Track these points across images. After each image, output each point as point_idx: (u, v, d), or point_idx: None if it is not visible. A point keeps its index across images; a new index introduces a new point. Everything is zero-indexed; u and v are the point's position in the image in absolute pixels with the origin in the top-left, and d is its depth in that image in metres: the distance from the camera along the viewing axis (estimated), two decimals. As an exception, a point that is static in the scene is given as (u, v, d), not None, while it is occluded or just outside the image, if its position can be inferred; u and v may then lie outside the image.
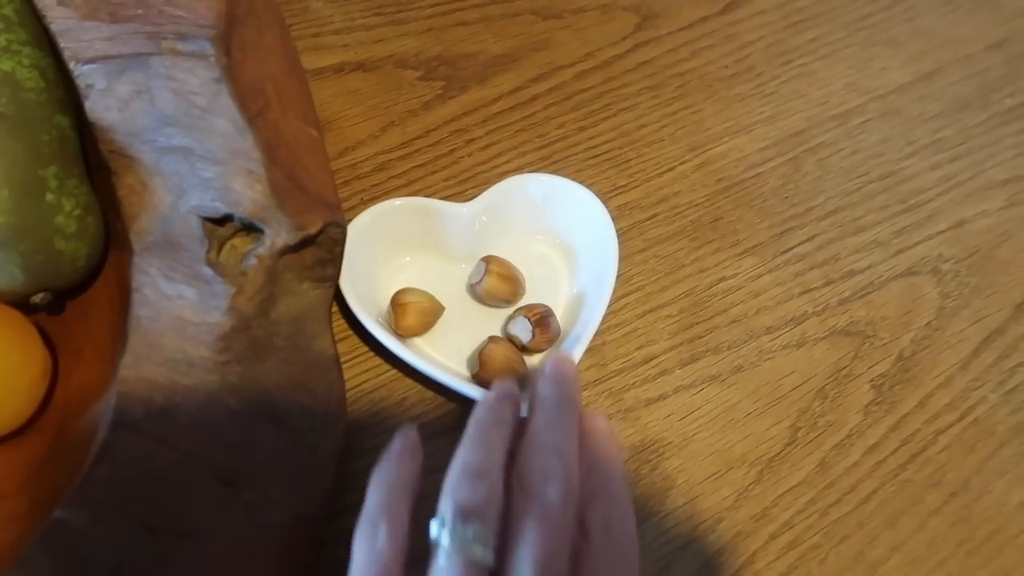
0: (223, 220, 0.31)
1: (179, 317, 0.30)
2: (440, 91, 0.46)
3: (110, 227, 0.33)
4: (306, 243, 0.32)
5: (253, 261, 0.31)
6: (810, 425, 0.38)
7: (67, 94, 0.31)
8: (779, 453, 0.37)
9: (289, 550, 0.28)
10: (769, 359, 0.40)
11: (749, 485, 0.37)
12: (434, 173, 0.43)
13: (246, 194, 0.30)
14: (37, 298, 0.30)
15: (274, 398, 0.31)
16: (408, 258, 0.39)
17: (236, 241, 0.33)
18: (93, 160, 0.33)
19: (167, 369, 0.30)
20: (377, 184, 0.42)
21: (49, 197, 0.29)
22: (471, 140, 0.45)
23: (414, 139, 0.44)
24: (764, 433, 0.38)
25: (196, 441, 0.29)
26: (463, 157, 0.44)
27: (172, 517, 0.27)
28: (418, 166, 0.43)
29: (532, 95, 0.46)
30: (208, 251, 0.31)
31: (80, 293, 0.33)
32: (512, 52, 0.47)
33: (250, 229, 0.32)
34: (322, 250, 0.34)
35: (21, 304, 0.31)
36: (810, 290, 0.42)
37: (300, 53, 0.45)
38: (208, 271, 0.30)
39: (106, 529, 0.26)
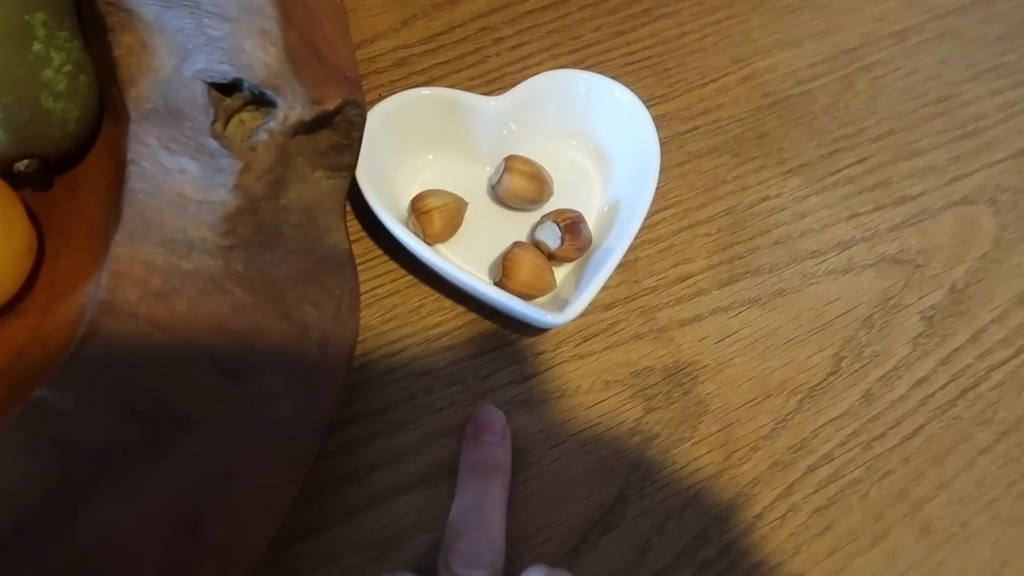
0: (231, 89, 0.28)
1: (180, 194, 0.27)
2: (468, -15, 0.42)
3: (105, 95, 0.30)
4: (322, 122, 0.29)
5: (263, 136, 0.28)
6: (855, 355, 0.35)
7: (58, -65, 0.27)
8: (821, 382, 0.35)
9: (295, 449, 0.26)
10: (813, 284, 0.37)
11: (788, 414, 0.34)
12: (458, 72, 0.40)
13: (258, 57, 0.27)
14: (22, 165, 0.27)
15: (281, 289, 0.28)
16: (431, 156, 0.36)
17: (245, 116, 0.29)
18: (88, 20, 0.30)
19: (165, 250, 0.27)
20: (396, 80, 0.39)
21: (36, 47, 0.26)
22: (499, 39, 0.41)
23: (438, 34, 0.41)
24: (806, 361, 0.35)
25: (195, 329, 0.26)
26: (490, 57, 0.41)
27: (167, 406, 0.24)
28: (441, 63, 0.40)
29: (567, -6, 0.43)
30: (214, 121, 0.27)
31: (70, 168, 0.30)
32: (547, -53, 0.44)
33: (260, 103, 0.29)
34: (339, 134, 0.31)
35: (5, 173, 0.28)
36: (859, 214, 0.39)
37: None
38: (213, 143, 0.27)
39: (92, 412, 0.23)
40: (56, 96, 0.26)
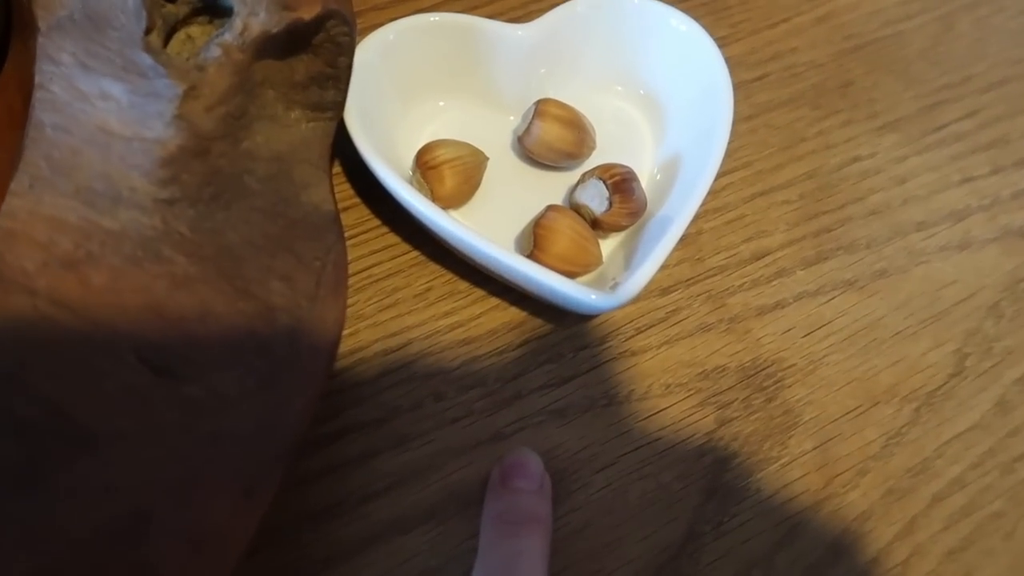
0: (173, -10, 0.21)
1: (102, 128, 0.20)
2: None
3: (12, 3, 0.23)
4: (297, 39, 0.22)
5: (216, 51, 0.21)
6: (983, 351, 0.28)
7: None
8: (942, 386, 0.27)
9: (250, 476, 0.18)
10: (922, 263, 0.29)
11: (903, 427, 0.26)
12: (475, 8, 0.33)
13: (205, -60, 0.20)
14: None
15: (240, 258, 0.21)
16: (442, 102, 0.29)
17: (193, 30, 0.22)
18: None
19: (80, 203, 0.20)
20: (398, 18, 0.32)
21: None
22: (525, -29, 0.34)
23: (450, -35, 0.34)
24: (920, 359, 0.27)
25: (116, 310, 0.19)
26: (514, -9, 0.33)
27: (64, 415, 0.17)
28: (454, -1, 0.33)
29: (605, -78, 0.36)
30: (147, 31, 0.20)
31: (-31, 103, 0.23)
32: None
33: (214, 14, 0.22)
34: (320, 60, 0.24)
35: None
36: (973, 178, 0.31)
37: None
38: (146, 59, 0.20)
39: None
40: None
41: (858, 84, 0.33)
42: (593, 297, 0.23)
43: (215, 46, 0.21)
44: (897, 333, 0.28)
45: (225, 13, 0.21)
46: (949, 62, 0.34)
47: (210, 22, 0.22)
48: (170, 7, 0.21)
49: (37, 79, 0.21)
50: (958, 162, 0.32)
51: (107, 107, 0.20)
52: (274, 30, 0.21)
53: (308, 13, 0.22)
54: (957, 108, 0.33)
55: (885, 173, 0.31)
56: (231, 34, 0.21)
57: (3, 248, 0.19)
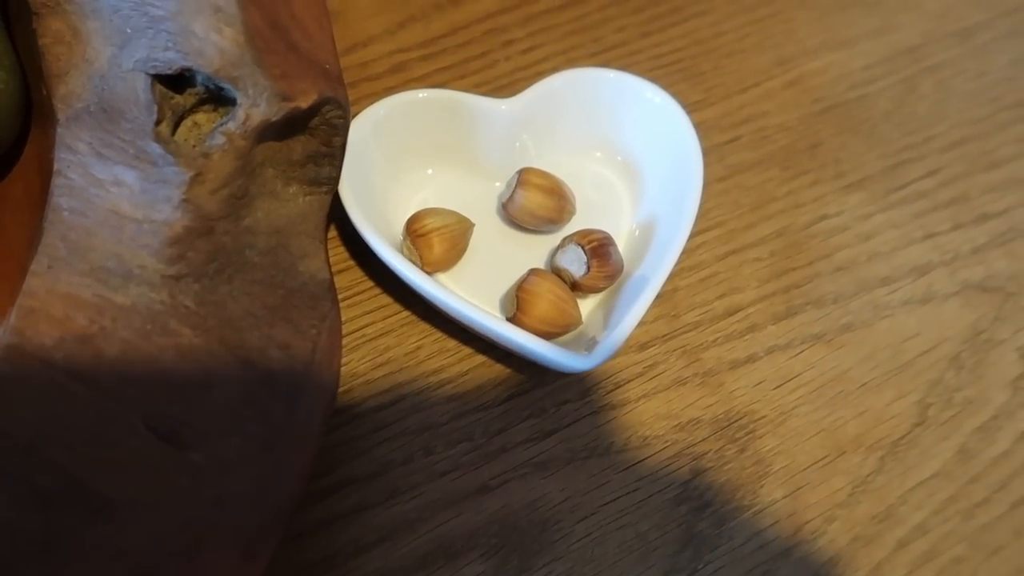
0: (182, 84, 0.23)
1: (114, 211, 0.22)
2: (473, -17, 0.37)
3: (33, 95, 0.25)
4: (295, 124, 0.24)
5: (220, 139, 0.22)
6: (944, 401, 0.29)
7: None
8: (905, 435, 0.29)
9: (250, 536, 0.20)
10: (887, 317, 0.31)
11: (868, 475, 0.28)
12: (463, 78, 0.35)
13: (211, 41, 0.22)
14: (-79, 179, 0.22)
15: (241, 329, 0.23)
16: (430, 170, 0.31)
17: (200, 117, 0.24)
18: (13, 8, 0.25)
19: (94, 280, 0.21)
20: (391, 88, 0.34)
21: (-66, 31, 0.20)
22: (509, 42, 0.36)
23: (439, 37, 0.36)
24: (885, 409, 0.29)
25: (127, 381, 0.21)
26: (499, 61, 0.35)
27: (80, 483, 0.19)
28: (443, 68, 0.35)
29: (585, -7, 0.38)
30: (158, 123, 0.22)
31: (-9, 184, 0.25)
32: (562, -57, 0.39)
33: (219, 102, 0.24)
34: (316, 140, 0.25)
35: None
36: (935, 235, 0.33)
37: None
38: (156, 148, 0.22)
39: (-27, 496, 0.18)
40: (-39, 92, 0.21)
41: (826, 145, 0.35)
42: (574, 359, 0.25)
43: (219, 134, 0.22)
44: (863, 385, 0.29)
45: (229, 102, 0.23)
46: (912, 123, 0.36)
47: (215, 110, 0.24)
48: (178, 98, 0.23)
49: (56, 166, 0.22)
50: (920, 219, 0.33)
51: (120, 192, 0.22)
52: (274, 118, 0.23)
53: (305, 102, 0.23)
54: (919, 167, 0.35)
55: (851, 230, 0.33)
56: (234, 123, 0.22)
57: (24, 325, 0.20)
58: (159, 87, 0.22)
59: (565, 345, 0.27)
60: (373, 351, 0.28)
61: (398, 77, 0.34)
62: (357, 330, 0.29)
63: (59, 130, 0.22)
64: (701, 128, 0.35)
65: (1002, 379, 0.30)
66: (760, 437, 0.28)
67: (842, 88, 0.37)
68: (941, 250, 0.33)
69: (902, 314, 0.31)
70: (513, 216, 0.29)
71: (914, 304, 0.31)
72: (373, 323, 0.29)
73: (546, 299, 0.26)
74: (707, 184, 0.33)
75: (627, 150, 0.31)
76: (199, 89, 0.23)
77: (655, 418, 0.28)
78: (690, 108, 0.35)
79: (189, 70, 0.22)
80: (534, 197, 0.28)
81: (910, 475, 0.28)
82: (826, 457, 0.28)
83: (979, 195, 0.34)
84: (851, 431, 0.28)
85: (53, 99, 0.23)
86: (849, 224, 0.33)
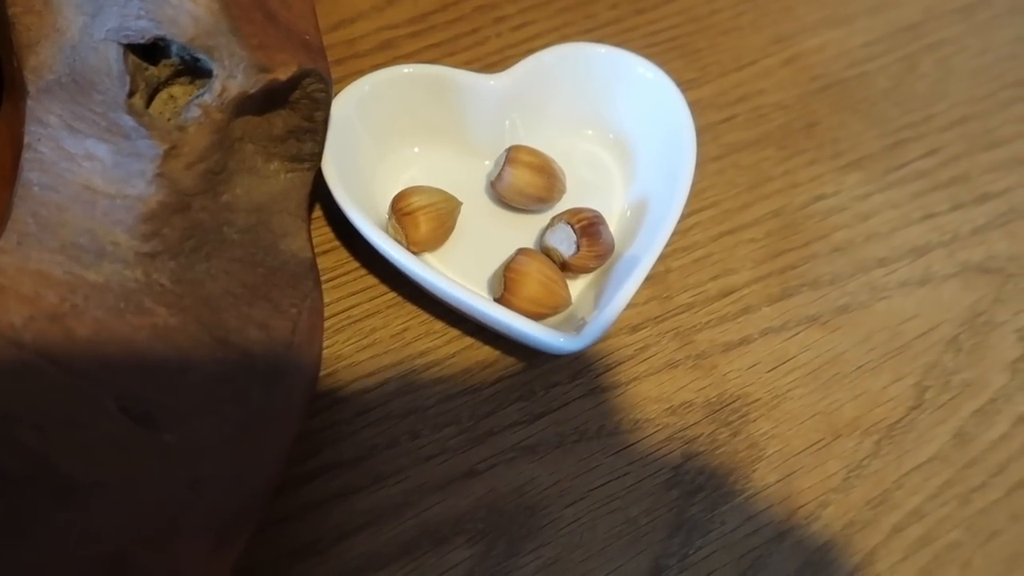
0: (157, 54, 0.22)
1: (86, 186, 0.21)
2: (464, -41, 0.37)
3: (4, 67, 0.24)
4: (274, 97, 0.23)
5: (195, 112, 0.22)
6: (941, 384, 0.29)
7: None
8: (902, 419, 0.28)
9: (225, 521, 0.19)
10: (884, 298, 0.30)
11: (864, 459, 0.27)
12: (452, 55, 0.34)
13: (185, 8, 0.21)
14: None
15: (219, 308, 0.22)
16: (417, 149, 0.30)
17: (176, 89, 0.23)
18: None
19: (66, 258, 0.21)
20: (379, 65, 0.33)
21: None
22: (500, 18, 0.35)
23: (429, 13, 0.35)
24: (881, 392, 0.28)
25: (99, 361, 0.20)
26: (490, 37, 0.35)
27: (48, 466, 0.18)
28: (432, 46, 0.34)
29: (579, -32, 0.37)
30: (131, 95, 0.21)
31: (-38, 160, 0.24)
32: (555, -83, 0.38)
33: (195, 74, 0.23)
34: (297, 115, 0.25)
35: None
36: (934, 215, 0.32)
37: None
38: (129, 121, 0.21)
39: (-67, 477, 0.17)
40: (-76, 61, 0.20)
41: (823, 124, 0.34)
42: (562, 340, 0.24)
43: (195, 107, 0.22)
44: (859, 367, 0.29)
45: (206, 74, 0.23)
46: (912, 102, 0.35)
47: (192, 82, 0.23)
48: (153, 70, 0.22)
49: (26, 140, 0.22)
50: (919, 199, 0.33)
51: (92, 167, 0.21)
52: (251, 91, 0.22)
53: (284, 74, 0.23)
54: (919, 146, 0.34)
55: (849, 211, 0.32)
56: (210, 95, 0.22)
57: (-8, 303, 0.20)
58: (132, 58, 0.22)
59: (555, 326, 0.27)
60: (358, 333, 0.28)
61: (386, 54, 0.34)
62: (342, 311, 0.28)
63: (29, 103, 0.22)
64: (696, 107, 0.34)
65: (1001, 361, 0.29)
66: (754, 421, 0.28)
67: (840, 66, 0.36)
68: (940, 231, 0.32)
69: (900, 296, 0.30)
70: (502, 195, 0.29)
71: (912, 286, 0.31)
72: (359, 304, 0.28)
73: (535, 279, 0.26)
74: (702, 163, 0.32)
75: (619, 128, 0.31)
76: (174, 60, 0.22)
77: (646, 401, 0.28)
78: (685, 86, 0.34)
79: (163, 39, 0.21)
80: (523, 175, 0.28)
81: (906, 459, 0.27)
82: (821, 441, 0.27)
83: (980, 175, 0.34)
84: (847, 414, 0.28)
85: (24, 70, 0.22)
86: (847, 204, 0.32)
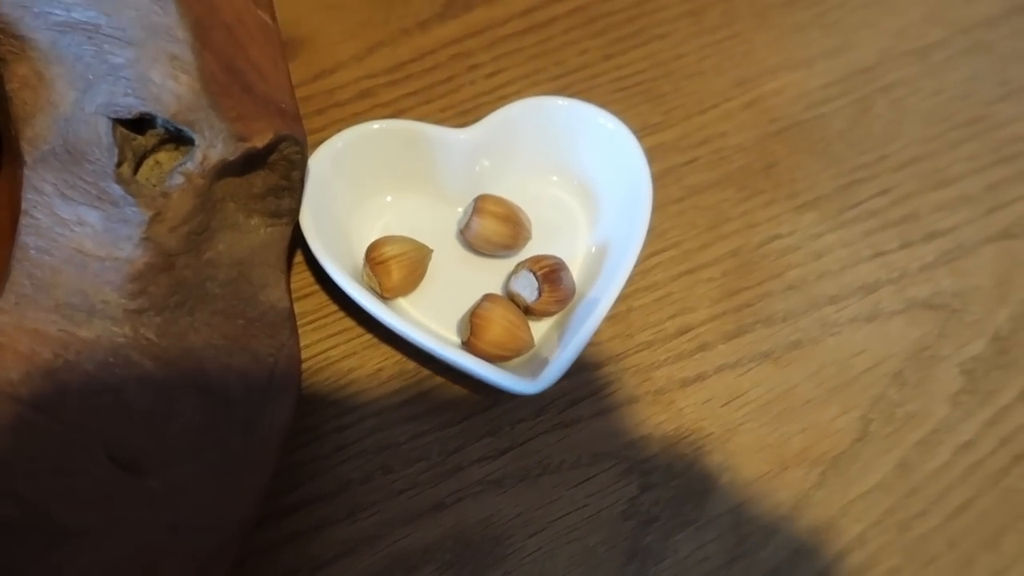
0: (144, 126, 0.24)
1: (78, 249, 0.23)
2: (440, 9, 0.39)
3: (4, 138, 0.26)
4: (253, 161, 0.25)
5: (179, 179, 0.24)
6: (886, 416, 0.30)
7: (-60, -46, 0.24)
8: (847, 450, 0.30)
9: (206, 557, 0.21)
10: (834, 334, 0.32)
11: (810, 489, 0.29)
12: (428, 103, 0.36)
13: (168, 87, 0.23)
14: None
15: (201, 359, 0.24)
16: (389, 198, 0.32)
17: (162, 156, 0.25)
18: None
19: (59, 316, 0.23)
20: (359, 113, 0.35)
21: (-97, 82, 0.22)
22: (474, 66, 0.37)
23: (406, 63, 0.37)
24: (829, 424, 0.30)
25: (89, 411, 0.22)
26: (464, 85, 0.37)
27: (41, 512, 0.20)
28: (409, 94, 0.36)
29: (549, 17, 0.39)
30: (119, 164, 0.23)
31: (-35, 221, 0.26)
32: (527, -33, 0.40)
33: (179, 141, 0.25)
34: (275, 175, 0.27)
35: None
36: (884, 253, 0.34)
37: (273, -43, 0.38)
38: (117, 189, 0.23)
39: (-62, 527, 0.19)
40: (-71, 138, 0.22)
41: (781, 165, 0.36)
42: (520, 384, 0.26)
43: (178, 174, 0.24)
44: (808, 401, 0.31)
45: (189, 141, 0.24)
46: (866, 142, 0.37)
47: (176, 148, 0.25)
48: (140, 139, 0.24)
49: (23, 206, 0.24)
50: (870, 237, 0.34)
51: (83, 231, 0.23)
52: (231, 158, 0.24)
53: (261, 141, 0.25)
54: (872, 186, 0.36)
55: (803, 250, 0.34)
56: (192, 163, 0.24)
57: (-9, 360, 0.22)
58: (120, 130, 0.23)
59: (520, 366, 0.29)
60: (336, 373, 0.29)
61: (365, 103, 0.35)
62: (321, 353, 0.30)
63: (26, 172, 0.24)
64: (660, 150, 0.36)
65: (943, 394, 0.31)
66: (708, 452, 0.29)
67: (799, 108, 0.38)
68: (889, 268, 0.34)
69: (849, 331, 0.32)
70: (470, 242, 0.30)
71: (861, 321, 0.32)
72: (337, 346, 0.30)
73: (499, 324, 0.28)
74: (664, 205, 0.34)
75: (583, 174, 0.33)
76: (160, 130, 0.24)
77: (607, 435, 0.29)
78: (650, 130, 0.36)
79: (148, 114, 0.23)
80: (489, 224, 0.30)
81: (851, 488, 0.29)
82: (770, 472, 0.29)
83: (929, 213, 0.35)
84: (795, 446, 0.30)
85: (21, 141, 0.24)
86: (801, 243, 0.34)
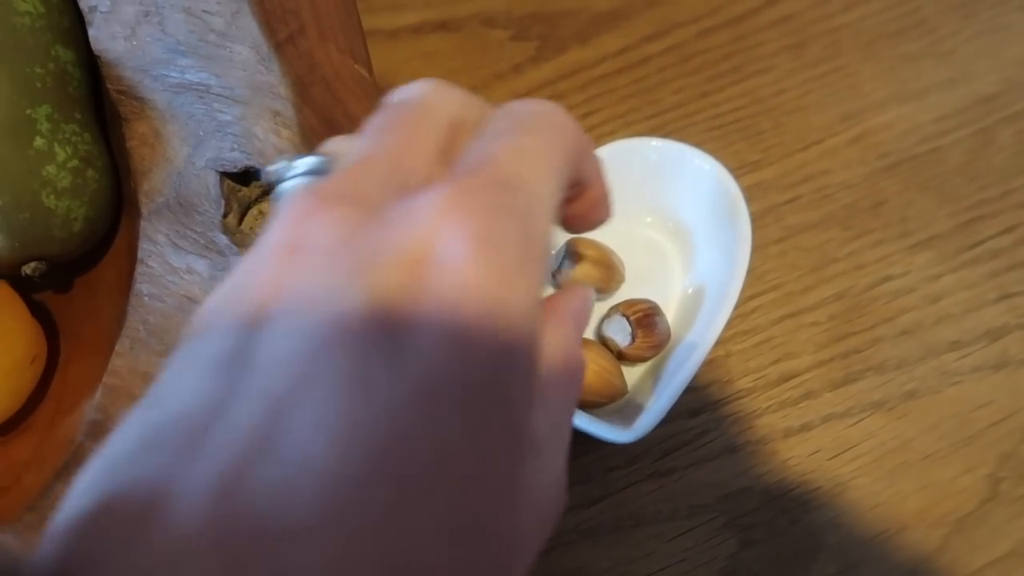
0: (247, 177, 0.25)
1: (187, 296, 0.24)
2: (533, 53, 0.39)
3: (124, 189, 0.28)
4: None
5: (279, 228, 0.24)
6: (1018, 476, 0.28)
7: (74, 24, 0.26)
8: (974, 511, 0.27)
9: None
10: (955, 384, 0.30)
11: (932, 552, 0.27)
12: (522, 146, 0.36)
13: (270, 141, 0.24)
14: (28, 268, 0.25)
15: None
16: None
17: (265, 206, 0.26)
18: (108, 114, 0.28)
19: (169, 360, 0.24)
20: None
21: (38, 142, 0.24)
22: (568, 108, 0.37)
23: (500, 107, 0.37)
24: (951, 483, 0.28)
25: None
26: (558, 128, 0.37)
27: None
28: (503, 138, 0.36)
29: (643, 56, 0.39)
30: (225, 215, 0.24)
31: (90, 267, 0.28)
32: (620, 8, 0.40)
33: (282, 192, 0.26)
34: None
35: (16, 277, 0.26)
36: (1011, 295, 0.32)
37: (371, 12, 0.39)
38: (223, 239, 0.24)
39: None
40: (59, 194, 0.24)
41: (891, 203, 0.34)
42: (613, 432, 0.25)
43: (279, 223, 0.25)
44: (927, 456, 0.28)
45: (289, 192, 0.25)
46: (987, 177, 0.35)
47: (278, 199, 0.26)
48: (245, 190, 0.25)
49: (139, 255, 0.25)
50: (995, 279, 0.32)
51: (192, 279, 0.24)
52: (328, 207, 0.25)
53: (357, 190, 0.25)
54: (995, 223, 0.33)
55: (918, 292, 0.32)
56: (292, 213, 0.25)
57: (107, 402, 0.23)
58: (227, 182, 0.25)
59: (613, 413, 0.28)
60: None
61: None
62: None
63: (142, 223, 0.25)
64: (759, 188, 0.35)
65: (1085, 452, 0.28)
66: (814, 509, 0.28)
67: (911, 142, 0.36)
68: (1018, 312, 0.31)
69: (972, 381, 0.30)
70: (562, 285, 0.30)
71: (986, 370, 0.30)
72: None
73: (591, 370, 0.27)
74: (764, 246, 0.33)
75: (678, 215, 0.32)
76: (263, 183, 0.25)
77: (704, 487, 0.28)
78: (748, 168, 0.35)
79: (252, 167, 0.24)
80: (582, 268, 0.29)
81: (978, 554, 0.27)
82: (885, 532, 0.27)
83: (1062, 252, 0.32)
84: (913, 505, 0.28)
85: (138, 194, 0.26)
86: (915, 285, 0.32)
